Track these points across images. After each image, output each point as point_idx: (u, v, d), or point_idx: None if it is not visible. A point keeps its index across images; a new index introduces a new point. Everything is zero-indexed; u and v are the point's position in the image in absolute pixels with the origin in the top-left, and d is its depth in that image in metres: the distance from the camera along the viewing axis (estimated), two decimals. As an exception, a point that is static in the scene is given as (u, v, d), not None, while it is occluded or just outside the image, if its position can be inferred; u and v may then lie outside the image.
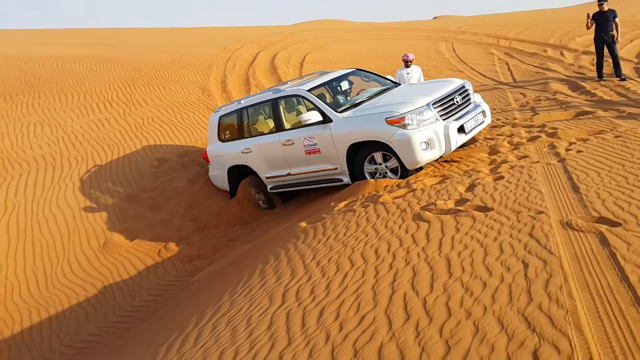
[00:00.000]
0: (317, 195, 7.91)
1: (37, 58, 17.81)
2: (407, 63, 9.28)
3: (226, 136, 8.58)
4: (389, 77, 8.33)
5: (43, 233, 8.26)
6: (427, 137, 6.09)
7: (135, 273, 7.50)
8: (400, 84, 7.93)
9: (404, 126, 6.12)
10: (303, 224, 5.70)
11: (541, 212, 4.12)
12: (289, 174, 7.63)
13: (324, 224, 5.34)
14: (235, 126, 8.34)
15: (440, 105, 6.36)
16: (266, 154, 7.78)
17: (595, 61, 13.21)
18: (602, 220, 3.78)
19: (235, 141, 8.30)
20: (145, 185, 9.59)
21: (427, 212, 4.68)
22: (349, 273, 3.74)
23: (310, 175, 7.39)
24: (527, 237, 3.68)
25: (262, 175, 8.04)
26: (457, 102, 6.55)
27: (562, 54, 15.78)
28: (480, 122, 6.74)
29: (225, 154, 8.48)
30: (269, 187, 8.13)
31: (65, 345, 6.20)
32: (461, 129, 6.34)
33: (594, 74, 12.01)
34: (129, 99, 13.28)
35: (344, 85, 7.92)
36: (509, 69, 14.74)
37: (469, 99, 6.86)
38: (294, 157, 7.37)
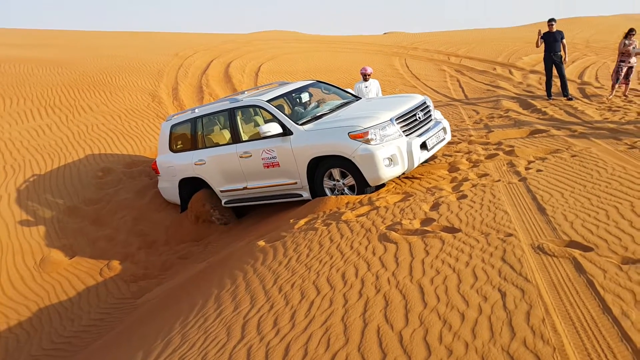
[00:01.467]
0: (274, 210, 7.60)
1: (-30, 58, 16.58)
2: (365, 76, 9.16)
3: (178, 146, 8.14)
4: (349, 90, 8.17)
5: (-28, 249, 7.51)
6: (391, 153, 5.93)
7: (74, 294, 6.90)
8: (360, 98, 7.77)
9: (367, 141, 5.94)
10: (261, 242, 5.38)
11: (510, 235, 4.01)
12: (245, 188, 7.29)
13: (284, 244, 5.05)
14: (189, 136, 7.92)
15: (403, 120, 6.23)
16: (221, 166, 7.41)
17: (544, 80, 13.69)
18: (573, 244, 3.71)
19: (188, 152, 7.88)
20: (88, 197, 8.96)
21: (393, 233, 4.49)
22: (315, 301, 3.47)
23: (268, 190, 7.08)
24: (500, 262, 3.54)
25: (217, 188, 7.65)
26: (419, 118, 6.45)
27: (510, 72, 16.25)
28: (441, 138, 6.67)
29: (176, 165, 8.03)
30: (223, 202, 7.75)
31: (-8, 377, 5.58)
32: (423, 146, 6.23)
33: (542, 93, 12.40)
34: (73, 104, 12.50)
35: (304, 97, 7.69)
36: (460, 86, 15.00)
37: (430, 115, 6.78)
38: (251, 170, 7.04)
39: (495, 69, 16.72)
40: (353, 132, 6.01)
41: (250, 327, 3.32)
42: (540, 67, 16.47)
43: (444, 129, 6.78)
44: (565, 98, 11.12)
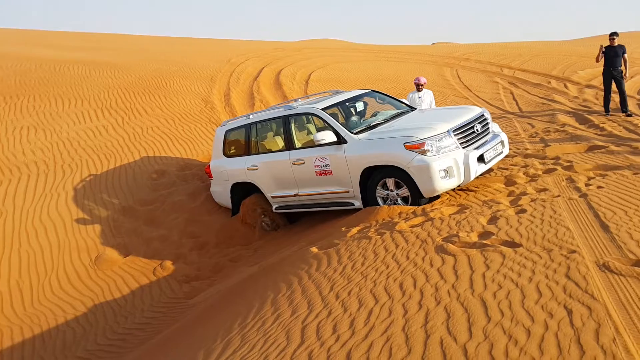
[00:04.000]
0: (324, 218, 7.64)
1: (33, 59, 17.49)
2: (418, 87, 9.12)
3: (231, 151, 8.31)
4: (404, 100, 8.15)
5: (31, 243, 7.87)
6: (447, 165, 5.87)
7: (128, 292, 7.13)
8: (415, 108, 7.74)
9: (423, 152, 5.90)
10: (314, 249, 5.42)
11: (574, 252, 3.89)
12: (296, 195, 7.37)
13: (338, 251, 5.07)
14: (242, 142, 8.09)
15: (461, 132, 6.16)
16: (274, 172, 7.52)
17: (602, 95, 13.24)
18: (641, 264, 3.56)
19: (241, 157, 8.04)
20: (143, 198, 9.26)
21: (450, 245, 4.43)
22: (374, 310, 3.47)
23: (319, 197, 7.13)
24: (564, 279, 3.44)
25: (268, 194, 7.76)
26: (477, 130, 6.36)
27: (565, 86, 15.80)
28: (499, 152, 6.55)
29: (229, 170, 8.20)
30: (274, 207, 7.85)
31: (50, 368, 5.81)
32: (481, 158, 6.14)
33: (599, 108, 11.99)
34: (128, 107, 12.99)
35: (359, 106, 7.72)
36: (514, 99, 14.69)
37: (488, 128, 6.68)
38: (304, 177, 7.11)
39: (549, 82, 16.30)
40: (409, 142, 5.98)
41: (310, 332, 3.35)
42: (597, 81, 15.96)
43: (502, 142, 6.66)
44: (624, 114, 10.72)
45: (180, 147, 11.10)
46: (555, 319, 2.93)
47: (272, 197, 7.73)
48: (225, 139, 8.36)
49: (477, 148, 6.20)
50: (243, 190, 8.25)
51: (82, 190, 9.24)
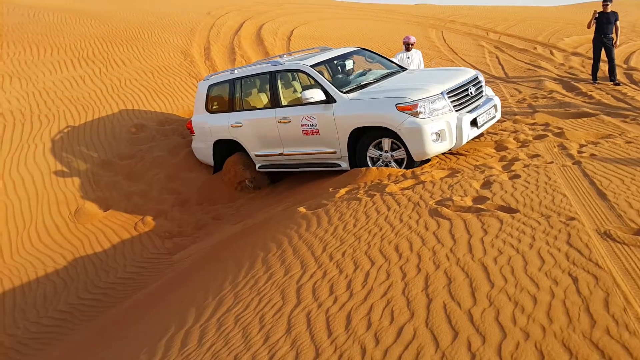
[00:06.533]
0: (308, 178, 7.49)
1: (6, 3, 16.53)
2: (407, 46, 8.86)
3: (214, 107, 8.02)
4: (394, 60, 7.91)
5: (9, 195, 7.58)
6: (439, 128, 5.73)
7: (109, 246, 6.95)
8: (406, 69, 7.52)
9: (416, 114, 5.74)
10: (302, 209, 5.29)
11: (573, 219, 3.84)
12: (281, 154, 7.17)
13: (328, 212, 4.95)
14: (226, 97, 7.79)
15: (454, 95, 6.00)
16: (258, 130, 7.28)
17: (588, 63, 13.20)
18: (643, 233, 3.53)
19: (225, 114, 7.75)
20: (122, 152, 8.95)
21: (444, 208, 4.35)
22: (371, 272, 3.38)
23: (305, 157, 6.95)
24: (566, 246, 3.39)
25: (252, 152, 7.54)
26: (471, 93, 6.22)
27: (551, 53, 15.69)
28: (492, 116, 6.44)
29: (212, 127, 7.93)
30: (257, 166, 7.66)
31: (31, 321, 5.65)
32: (474, 122, 6.02)
33: (586, 76, 11.95)
34: (106, 57, 12.41)
35: (348, 64, 7.46)
36: (499, 63, 14.54)
37: (482, 91, 6.53)
38: (290, 136, 6.90)
39: (535, 48, 16.16)
40: (401, 103, 5.81)
41: (306, 293, 3.25)
42: (583, 49, 15.90)
43: (495, 106, 6.54)
44: (612, 83, 10.69)
45: (160, 101, 10.70)
46: (561, 286, 2.88)
47: (256, 155, 7.52)
48: (208, 94, 8.03)
49: (470, 111, 6.07)
50: (226, 148, 8.00)
51: (60, 142, 8.87)
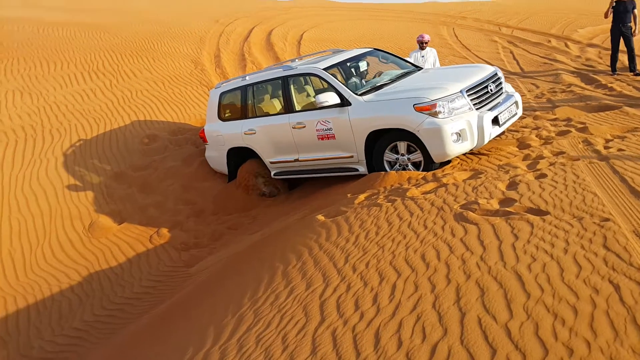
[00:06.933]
0: (325, 184, 7.34)
1: (15, 21, 16.65)
2: (422, 45, 8.68)
3: (227, 115, 7.91)
4: (408, 59, 7.74)
5: (22, 211, 7.53)
6: (460, 128, 5.54)
7: (124, 260, 6.86)
8: (421, 68, 7.33)
9: (435, 114, 5.56)
10: (320, 217, 5.13)
11: (607, 220, 3.63)
12: (296, 160, 7.03)
13: (347, 219, 4.78)
14: (238, 105, 7.67)
15: (474, 93, 5.80)
16: (272, 136, 7.15)
17: (605, 54, 12.87)
18: (685, 233, 3.32)
19: (238, 121, 7.64)
20: (135, 164, 8.88)
21: (470, 213, 4.16)
22: (398, 284, 3.21)
23: (321, 163, 6.80)
24: (603, 250, 3.18)
25: (266, 159, 7.41)
26: (491, 90, 6.01)
27: (566, 45, 15.37)
28: (513, 113, 6.22)
29: (225, 135, 7.82)
30: (272, 173, 7.52)
31: (46, 340, 5.56)
32: (495, 121, 5.81)
33: (604, 67, 11.64)
34: (116, 69, 12.40)
35: (362, 65, 7.29)
36: (514, 58, 14.28)
37: (502, 88, 6.32)
38: (305, 141, 6.76)
39: (549, 41, 15.85)
40: (419, 104, 5.63)
41: (330, 309, 3.09)
42: (598, 40, 15.54)
43: (516, 102, 6.32)
44: (632, 73, 10.38)
45: (172, 111, 10.64)
46: (602, 295, 2.69)
47: (271, 162, 7.39)
48: (220, 101, 7.93)
49: (491, 109, 5.87)
50: (240, 156, 7.89)
51: (72, 155, 8.83)
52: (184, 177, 8.50)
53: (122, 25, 16.84)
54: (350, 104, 6.19)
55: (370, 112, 6.02)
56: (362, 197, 5.52)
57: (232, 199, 7.89)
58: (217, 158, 8.16)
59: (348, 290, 3.29)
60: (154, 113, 10.47)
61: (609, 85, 9.63)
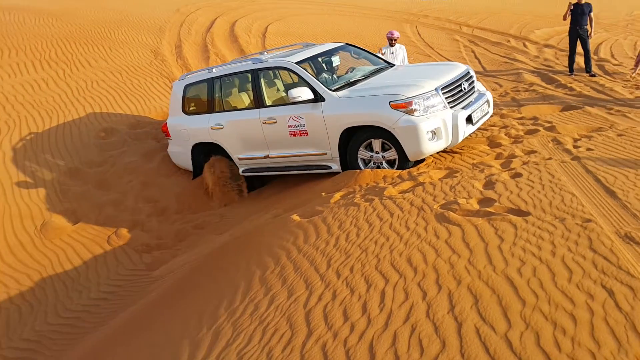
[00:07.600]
0: (296, 182, 7.15)
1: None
2: (391, 41, 8.61)
3: (192, 108, 7.57)
4: (380, 55, 7.62)
5: (-34, 210, 6.97)
6: (435, 126, 5.46)
7: (80, 263, 6.43)
8: (393, 64, 7.23)
9: (410, 112, 5.46)
10: (296, 217, 4.94)
11: (589, 220, 3.62)
12: (267, 157, 6.80)
13: (325, 220, 4.62)
14: (205, 98, 7.35)
15: (449, 91, 5.75)
16: (241, 132, 6.89)
17: (562, 55, 13.23)
18: (667, 234, 3.33)
19: (204, 115, 7.32)
20: (91, 159, 8.39)
21: (451, 213, 4.08)
22: (387, 291, 3.07)
23: (292, 160, 6.60)
24: (590, 253, 3.15)
25: (235, 156, 7.14)
26: (464, 89, 5.97)
27: (525, 46, 15.70)
28: (485, 112, 6.22)
29: (190, 129, 7.49)
30: (241, 170, 7.26)
31: (-9, 354, 5.12)
32: (469, 119, 5.77)
33: (561, 68, 11.95)
34: (70, 58, 11.72)
35: (335, 60, 7.12)
36: (476, 57, 14.45)
37: (474, 87, 6.30)
38: (275, 138, 6.54)
39: (509, 41, 16.15)
40: (395, 101, 5.52)
41: (317, 319, 2.91)
42: (554, 41, 15.96)
43: (487, 101, 6.31)
44: (588, 74, 10.71)
45: (130, 103, 10.15)
46: (598, 301, 2.64)
47: (240, 159, 7.13)
48: (184, 94, 7.59)
49: (464, 108, 5.83)
50: (205, 151, 7.58)
51: (23, 150, 8.26)
52: (144, 174, 8.10)
53: (76, 12, 15.97)
54: (324, 100, 6.02)
55: (345, 109, 5.87)
56: (337, 195, 5.37)
57: (197, 197, 7.59)
58: (181, 153, 7.82)
59: (334, 298, 3.13)
60: (111, 105, 9.95)
61: (569, 85, 9.88)
